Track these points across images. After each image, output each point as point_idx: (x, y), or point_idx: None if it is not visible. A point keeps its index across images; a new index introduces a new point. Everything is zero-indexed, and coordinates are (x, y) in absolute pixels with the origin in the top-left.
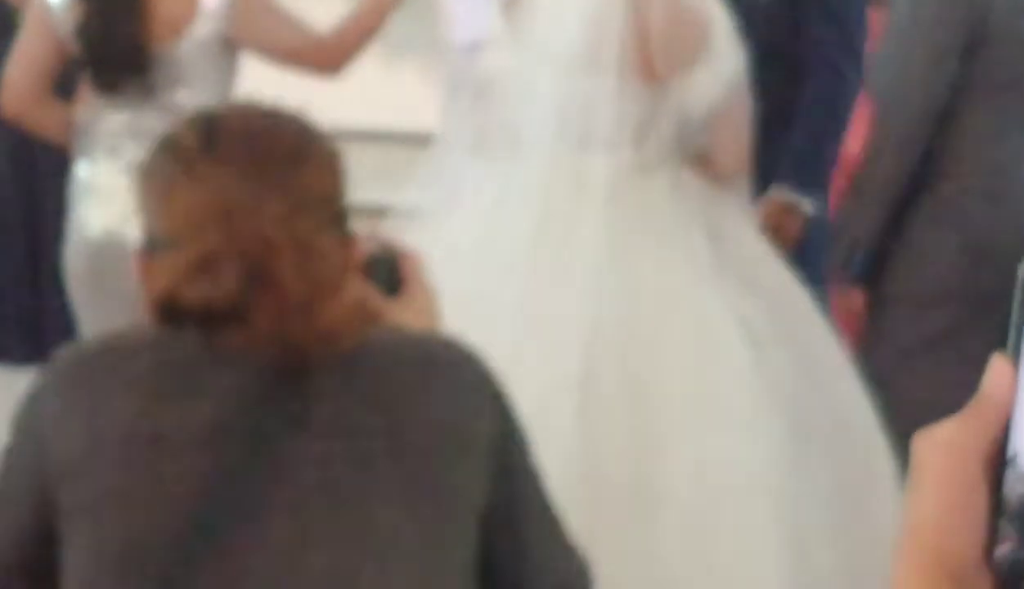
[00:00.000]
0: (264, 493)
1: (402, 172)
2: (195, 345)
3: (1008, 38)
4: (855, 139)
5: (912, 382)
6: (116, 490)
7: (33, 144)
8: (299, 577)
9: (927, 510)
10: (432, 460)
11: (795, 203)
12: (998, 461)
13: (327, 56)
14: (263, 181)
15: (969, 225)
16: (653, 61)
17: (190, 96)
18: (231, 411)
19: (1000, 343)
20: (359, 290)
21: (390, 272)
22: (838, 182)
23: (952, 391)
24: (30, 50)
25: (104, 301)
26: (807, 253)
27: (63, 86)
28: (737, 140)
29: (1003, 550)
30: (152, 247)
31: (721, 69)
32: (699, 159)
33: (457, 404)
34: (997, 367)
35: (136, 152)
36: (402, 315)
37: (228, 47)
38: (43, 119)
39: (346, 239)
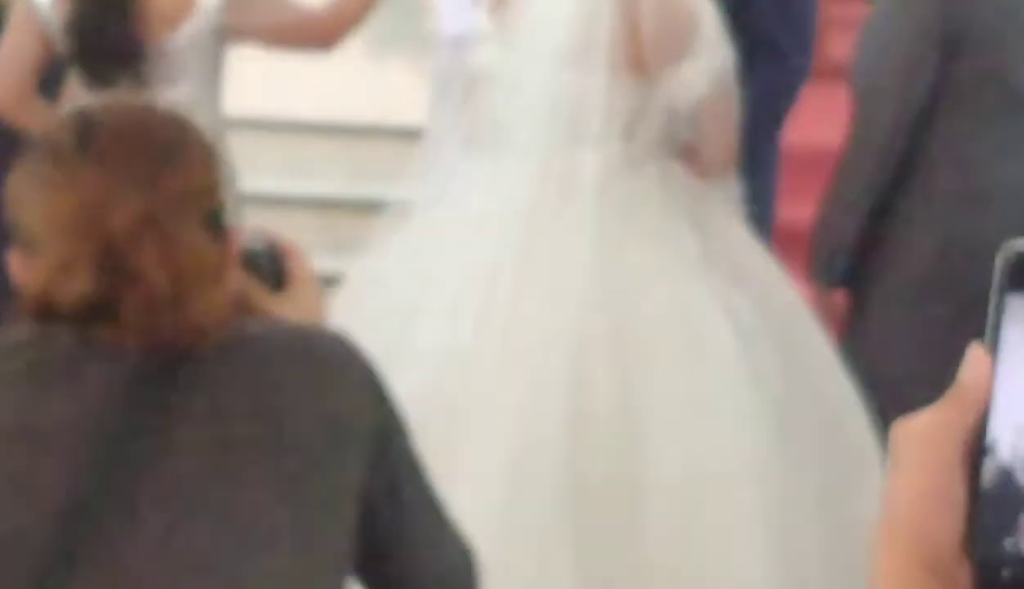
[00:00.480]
0: (137, 484)
1: (391, 167)
2: (70, 341)
3: (991, 40)
4: (839, 135)
5: (895, 379)
6: None
7: (16, 142)
8: (172, 566)
9: (904, 499)
10: (308, 449)
11: None
12: (976, 450)
13: (323, 31)
14: (130, 179)
15: (946, 225)
16: (643, 55)
17: (182, 91)
18: (103, 404)
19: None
20: (239, 284)
21: (274, 267)
22: (820, 181)
23: (936, 388)
24: (16, 48)
25: None
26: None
27: (46, 86)
28: (724, 134)
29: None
30: (25, 247)
31: (709, 63)
32: (686, 153)
33: (336, 395)
34: (975, 356)
35: None
36: (284, 309)
37: (220, 40)
38: (29, 116)
39: (222, 234)
